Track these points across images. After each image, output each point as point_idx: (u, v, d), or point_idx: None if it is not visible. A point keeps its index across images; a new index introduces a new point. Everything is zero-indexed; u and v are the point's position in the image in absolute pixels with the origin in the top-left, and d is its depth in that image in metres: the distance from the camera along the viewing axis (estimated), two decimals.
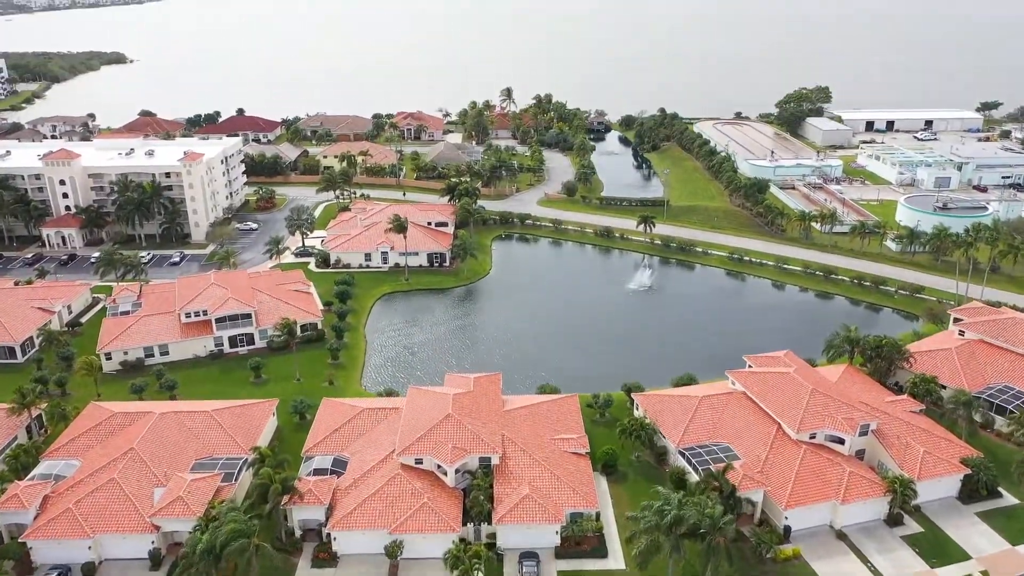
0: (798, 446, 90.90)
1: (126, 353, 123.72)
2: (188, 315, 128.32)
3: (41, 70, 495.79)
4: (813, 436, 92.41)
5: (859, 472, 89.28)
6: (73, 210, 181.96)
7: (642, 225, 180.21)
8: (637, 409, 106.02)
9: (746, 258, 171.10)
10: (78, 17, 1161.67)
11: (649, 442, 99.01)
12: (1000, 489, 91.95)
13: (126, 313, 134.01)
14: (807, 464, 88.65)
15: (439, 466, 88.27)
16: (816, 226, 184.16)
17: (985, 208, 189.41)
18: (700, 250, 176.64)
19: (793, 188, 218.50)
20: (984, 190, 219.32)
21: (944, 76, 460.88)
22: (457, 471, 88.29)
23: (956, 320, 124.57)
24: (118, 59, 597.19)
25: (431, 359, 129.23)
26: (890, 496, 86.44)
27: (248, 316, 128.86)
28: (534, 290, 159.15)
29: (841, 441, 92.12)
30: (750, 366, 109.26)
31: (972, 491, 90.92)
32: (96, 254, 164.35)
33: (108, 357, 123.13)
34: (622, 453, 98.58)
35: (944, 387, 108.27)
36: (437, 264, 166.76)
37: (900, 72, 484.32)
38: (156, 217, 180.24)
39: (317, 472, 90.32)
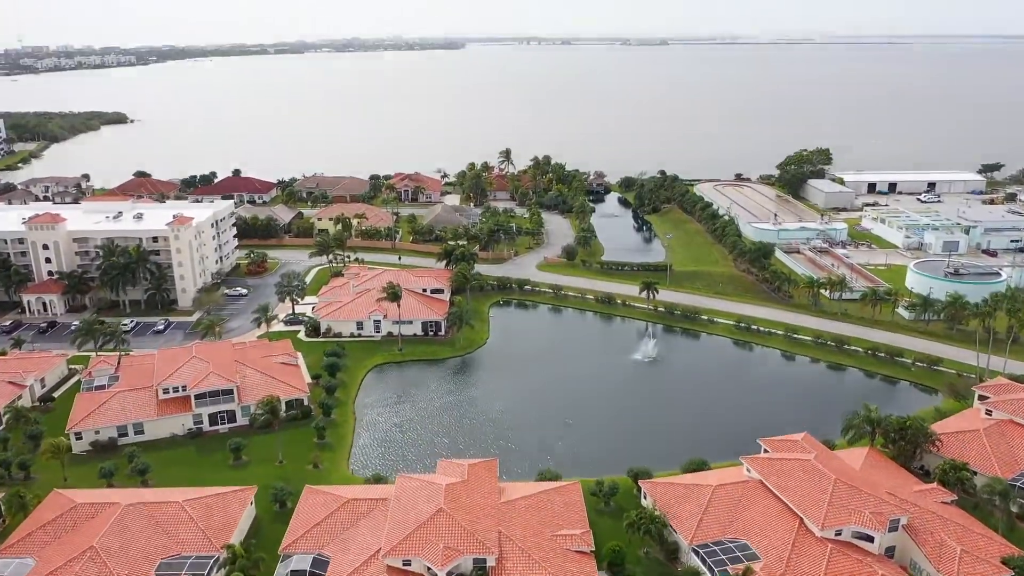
0: (823, 544, 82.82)
1: (97, 432, 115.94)
2: (166, 391, 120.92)
3: (40, 130, 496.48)
4: (839, 533, 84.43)
5: (891, 574, 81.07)
6: (56, 275, 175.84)
7: (645, 291, 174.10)
8: (645, 498, 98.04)
9: (753, 327, 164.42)
10: (84, 78, 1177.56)
11: (659, 537, 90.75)
12: None
13: (101, 387, 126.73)
14: (835, 566, 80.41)
15: (429, 568, 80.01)
16: (825, 293, 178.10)
17: (998, 274, 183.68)
18: (705, 318, 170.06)
19: (798, 252, 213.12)
20: (994, 254, 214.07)
21: (943, 137, 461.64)
22: (449, 574, 79.98)
23: (982, 398, 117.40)
24: (119, 119, 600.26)
25: (423, 438, 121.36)
26: None
27: (230, 392, 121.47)
28: (533, 361, 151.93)
29: (870, 539, 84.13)
30: (765, 451, 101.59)
31: None
32: (77, 321, 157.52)
33: (78, 437, 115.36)
34: (629, 549, 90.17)
35: (975, 473, 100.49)
36: (432, 333, 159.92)
37: (899, 133, 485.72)
38: (141, 283, 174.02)
39: (295, 574, 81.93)
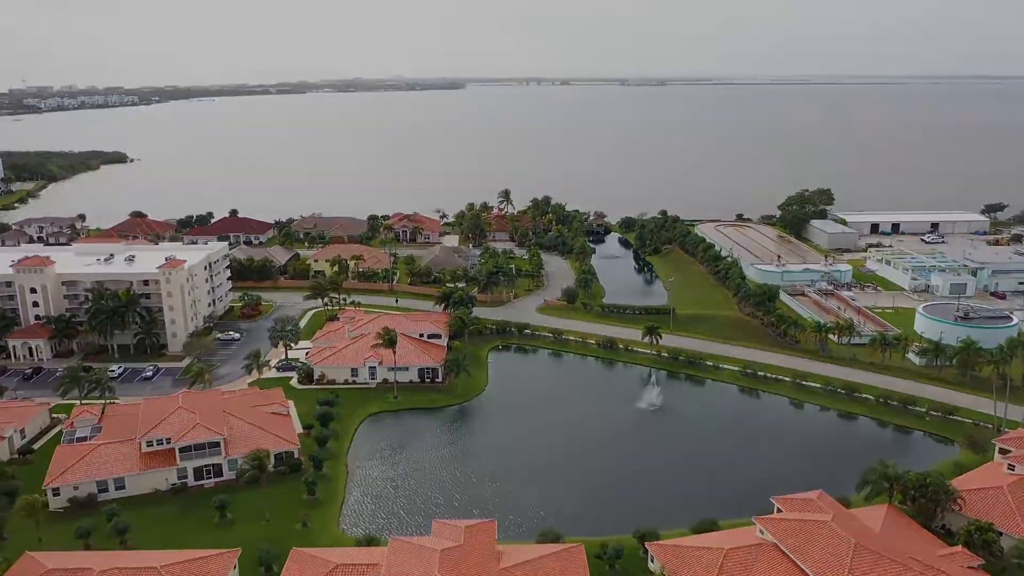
0: None
1: (76, 488, 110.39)
2: (150, 443, 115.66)
3: (39, 169, 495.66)
4: None
5: None
6: (43, 320, 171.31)
7: (648, 336, 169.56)
8: (652, 562, 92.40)
9: (760, 373, 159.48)
10: (86, 118, 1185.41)
11: None
12: None
13: (83, 439, 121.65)
14: None
15: None
16: (833, 337, 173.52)
17: (1009, 318, 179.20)
18: (711, 364, 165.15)
19: (803, 295, 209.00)
20: (1003, 297, 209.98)
21: (945, 177, 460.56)
22: None
23: (1003, 451, 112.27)
24: (118, 158, 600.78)
25: (418, 494, 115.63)
26: None
27: (217, 445, 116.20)
28: (533, 410, 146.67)
29: None
30: (779, 510, 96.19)
31: None
32: (63, 367, 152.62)
33: (56, 493, 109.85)
34: None
35: (1000, 534, 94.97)
36: (429, 380, 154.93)
37: (899, 173, 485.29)
38: (131, 327, 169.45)
39: None
